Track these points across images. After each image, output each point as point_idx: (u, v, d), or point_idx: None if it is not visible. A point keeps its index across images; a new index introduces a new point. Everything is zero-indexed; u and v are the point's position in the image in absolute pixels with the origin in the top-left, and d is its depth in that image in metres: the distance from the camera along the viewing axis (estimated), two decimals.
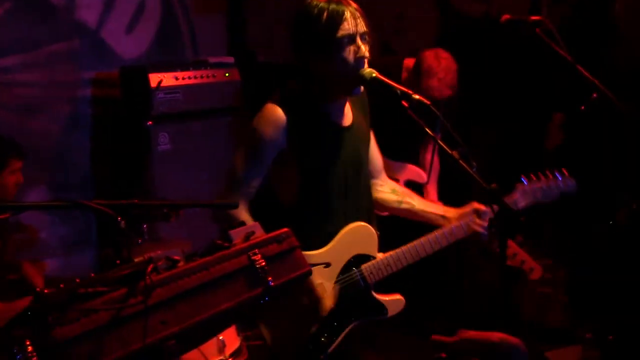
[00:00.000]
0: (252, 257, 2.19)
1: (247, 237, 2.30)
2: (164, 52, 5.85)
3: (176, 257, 2.13)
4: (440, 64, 4.51)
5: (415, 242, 3.28)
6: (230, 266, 2.16)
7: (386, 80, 2.98)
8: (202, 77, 5.41)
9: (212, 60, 5.53)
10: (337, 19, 2.97)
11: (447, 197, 4.08)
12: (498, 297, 5.12)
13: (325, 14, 2.98)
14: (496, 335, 3.20)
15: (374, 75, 3.00)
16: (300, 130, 3.07)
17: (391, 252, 3.27)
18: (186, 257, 2.19)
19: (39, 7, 5.18)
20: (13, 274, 4.48)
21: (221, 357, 3.82)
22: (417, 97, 2.84)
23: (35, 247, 4.92)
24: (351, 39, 3.00)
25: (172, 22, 5.93)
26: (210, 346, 3.84)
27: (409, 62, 4.73)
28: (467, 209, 3.37)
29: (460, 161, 2.75)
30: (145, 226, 4.70)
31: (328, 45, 2.98)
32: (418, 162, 4.95)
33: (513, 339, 3.21)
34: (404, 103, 2.87)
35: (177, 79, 5.29)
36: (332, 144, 3.16)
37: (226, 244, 2.21)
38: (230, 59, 5.63)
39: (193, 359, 3.81)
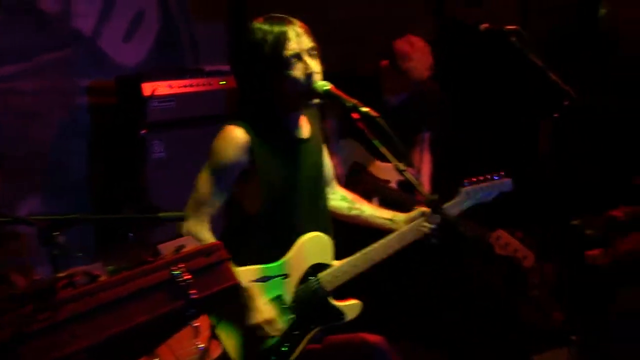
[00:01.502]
0: (175, 271, 2.23)
1: (177, 250, 2.36)
2: (164, 60, 5.90)
3: (96, 272, 2.18)
4: (414, 47, 4.83)
5: (369, 248, 3.38)
6: (151, 280, 2.20)
7: (339, 92, 3.09)
8: (197, 85, 5.44)
9: (207, 68, 5.58)
10: (281, 39, 3.08)
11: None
12: (497, 299, 5.22)
13: (269, 37, 3.09)
14: (358, 337, 3.28)
15: (326, 88, 3.11)
16: (262, 148, 3.16)
17: (346, 259, 3.38)
18: (110, 271, 2.24)
19: (34, 16, 5.26)
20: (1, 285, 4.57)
21: None
22: (365, 109, 2.95)
23: (31, 256, 5.00)
24: (298, 56, 3.10)
25: (172, 30, 5.98)
26: (188, 355, 3.88)
27: (385, 62, 4.94)
28: (415, 212, 3.47)
29: (404, 173, 2.80)
30: (131, 234, 4.76)
31: (277, 66, 3.10)
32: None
33: (374, 338, 3.29)
34: (354, 115, 2.94)
35: (171, 87, 5.33)
36: (294, 157, 3.26)
37: (150, 259, 2.26)
38: (227, 67, 5.67)
39: None
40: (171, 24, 5.97)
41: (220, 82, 5.55)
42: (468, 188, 3.59)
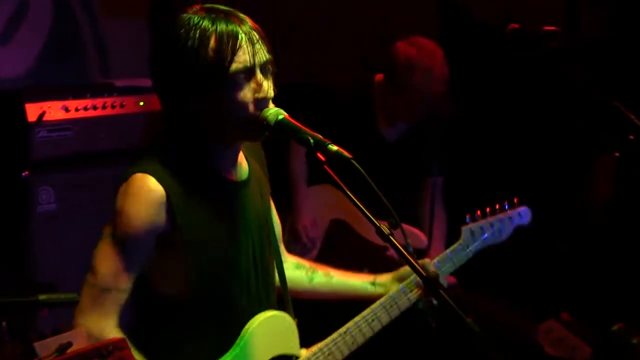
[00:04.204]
0: None
1: (60, 350, 2.35)
2: (58, 72, 5.93)
3: None
4: (421, 53, 4.84)
5: (349, 325, 3.42)
6: None
7: (297, 124, 3.05)
8: (104, 107, 5.45)
9: (119, 83, 5.58)
10: (229, 46, 3.01)
11: None
12: None
13: (213, 40, 3.01)
14: None
15: (280, 117, 3.07)
16: (186, 202, 3.12)
17: (319, 345, 3.40)
18: None
19: None
20: None
21: None
22: (335, 148, 2.92)
23: None
24: (249, 73, 3.05)
25: (70, 30, 6.01)
26: None
27: (381, 76, 5.03)
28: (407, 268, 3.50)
29: (391, 237, 2.83)
30: (4, 323, 4.71)
31: (217, 84, 3.03)
32: (415, 221, 5.23)
33: None
34: (320, 156, 2.94)
35: (67, 110, 5.33)
36: (228, 209, 3.24)
37: None
38: (147, 82, 5.63)
39: None
40: (69, 22, 5.99)
41: (139, 103, 5.59)
42: (472, 226, 3.72)
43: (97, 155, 5.46)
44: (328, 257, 4.99)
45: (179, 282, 3.18)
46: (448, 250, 3.70)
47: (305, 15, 6.37)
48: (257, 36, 3.08)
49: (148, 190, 3.08)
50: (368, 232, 4.93)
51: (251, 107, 3.06)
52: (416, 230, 5.14)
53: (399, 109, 4.97)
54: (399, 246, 2.83)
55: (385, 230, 2.84)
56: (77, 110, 5.38)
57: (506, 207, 3.80)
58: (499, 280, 5.53)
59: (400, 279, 3.55)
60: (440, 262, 3.65)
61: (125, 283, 3.11)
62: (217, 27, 3.03)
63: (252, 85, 3.06)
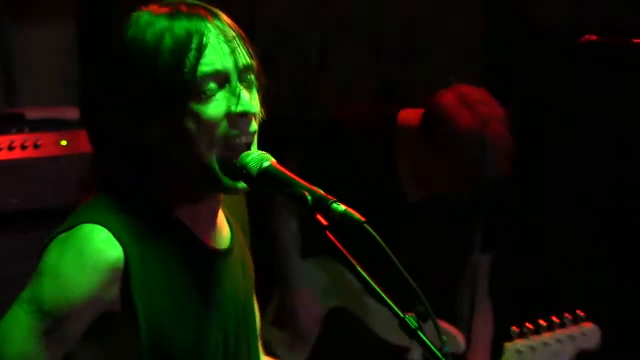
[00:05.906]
0: None
1: None
2: None
3: None
4: (473, 115, 4.75)
5: None
6: None
7: (289, 174, 3.04)
8: (11, 147, 5.52)
9: (32, 114, 5.66)
10: (192, 44, 3.02)
11: None
12: None
13: (169, 39, 3.03)
14: None
15: (266, 164, 3.06)
16: (147, 273, 3.10)
17: None
18: None
19: None
20: None
21: None
22: (342, 207, 2.90)
23: None
24: (221, 79, 3.05)
25: None
26: None
27: (408, 115, 5.00)
28: None
29: (419, 332, 2.79)
30: None
31: (177, 100, 3.03)
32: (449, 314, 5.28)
33: None
34: (320, 218, 2.91)
35: None
36: (202, 285, 3.25)
37: None
38: (71, 112, 5.69)
39: None
40: None
41: (60, 142, 5.62)
42: (519, 344, 3.87)
43: (2, 216, 5.50)
44: (325, 358, 5.10)
45: None
46: None
47: (295, 15, 6.40)
48: (234, 34, 3.09)
49: (98, 249, 3.03)
50: (382, 325, 5.13)
51: (223, 125, 3.04)
52: (451, 328, 5.19)
53: (434, 176, 4.94)
54: (432, 346, 2.78)
55: (412, 323, 2.79)
56: None
57: (567, 322, 3.95)
58: None
59: None
60: None
61: None
62: (175, 24, 3.06)
63: (227, 96, 3.06)
